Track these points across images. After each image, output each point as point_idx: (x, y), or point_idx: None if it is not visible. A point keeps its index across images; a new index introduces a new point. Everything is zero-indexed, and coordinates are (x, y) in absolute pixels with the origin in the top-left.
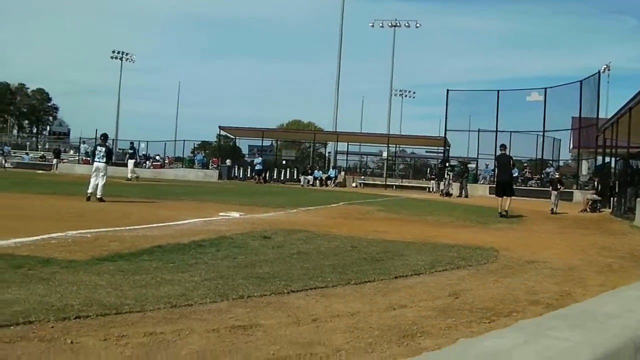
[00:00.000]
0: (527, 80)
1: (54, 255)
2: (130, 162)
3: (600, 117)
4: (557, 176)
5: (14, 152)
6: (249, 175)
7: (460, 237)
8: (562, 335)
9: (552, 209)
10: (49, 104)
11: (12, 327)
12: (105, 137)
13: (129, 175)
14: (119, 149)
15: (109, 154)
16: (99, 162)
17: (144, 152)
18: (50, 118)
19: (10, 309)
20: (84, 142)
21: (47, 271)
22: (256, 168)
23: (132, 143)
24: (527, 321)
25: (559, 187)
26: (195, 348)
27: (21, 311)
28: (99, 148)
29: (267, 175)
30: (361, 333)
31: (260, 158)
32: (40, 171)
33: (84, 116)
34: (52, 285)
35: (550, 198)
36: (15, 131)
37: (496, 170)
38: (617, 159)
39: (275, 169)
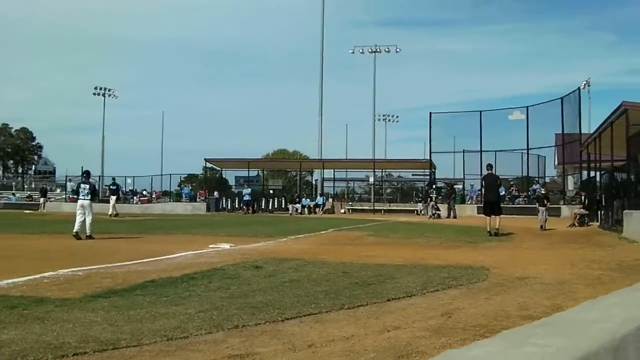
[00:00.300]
0: (509, 99)
1: (47, 294)
2: (112, 198)
3: (583, 132)
4: (543, 192)
5: (0, 193)
6: (237, 206)
7: (451, 257)
8: (543, 341)
9: (541, 225)
10: (33, 143)
11: None
12: (87, 174)
13: (110, 212)
14: (105, 186)
15: (93, 191)
16: (84, 199)
17: (130, 188)
18: (35, 157)
19: (9, 348)
20: (70, 180)
21: (41, 310)
22: (245, 199)
23: (113, 179)
24: (511, 331)
25: (546, 203)
26: None
27: (19, 350)
28: (82, 186)
29: (256, 205)
30: (357, 356)
31: (249, 189)
32: (27, 211)
33: (69, 154)
34: (47, 324)
35: (538, 215)
36: (0, 172)
37: (483, 190)
38: (602, 172)
39: (263, 198)
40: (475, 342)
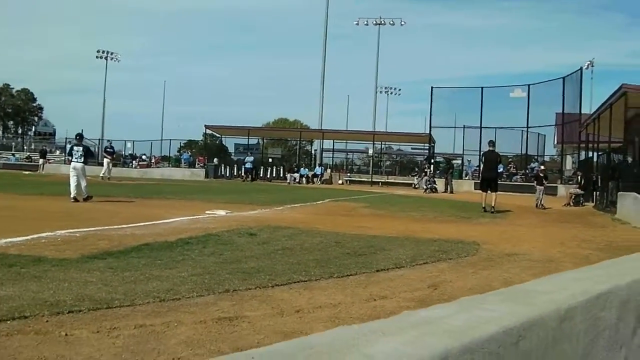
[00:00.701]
0: (511, 76)
1: (44, 254)
2: (105, 161)
3: (584, 112)
4: (542, 169)
5: (0, 153)
6: (235, 173)
7: (444, 231)
8: (493, 307)
9: (537, 203)
10: (34, 104)
11: (8, 322)
12: (80, 136)
13: (102, 173)
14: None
15: (86, 153)
16: (77, 162)
17: (130, 152)
18: (36, 118)
19: (6, 305)
20: (69, 143)
21: (38, 269)
22: (246, 166)
23: (109, 142)
24: (467, 298)
25: (544, 181)
26: (184, 338)
27: (16, 307)
28: (75, 148)
29: (255, 173)
30: (341, 322)
31: (252, 157)
32: (26, 172)
33: (69, 116)
34: (44, 283)
35: (535, 193)
36: (0, 132)
37: (482, 166)
38: (600, 153)
39: (262, 167)
40: (432, 306)
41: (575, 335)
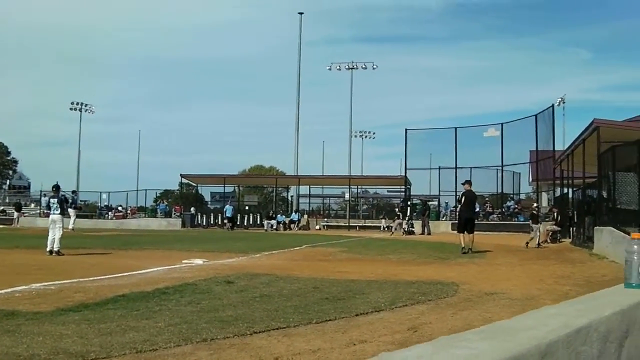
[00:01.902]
0: (484, 116)
1: (18, 307)
2: (72, 212)
3: (557, 149)
4: (534, 206)
5: None
6: (212, 222)
7: (422, 273)
8: (472, 345)
9: (537, 242)
10: (8, 158)
11: None
12: (57, 188)
13: (71, 226)
14: (81, 201)
15: (61, 204)
16: (54, 214)
17: (105, 203)
18: (10, 172)
19: None
20: (44, 195)
21: (12, 323)
22: (227, 214)
23: (73, 192)
24: (445, 337)
25: (539, 220)
26: None
27: None
28: (51, 200)
29: (233, 221)
30: None
31: (231, 205)
32: (1, 226)
33: (44, 168)
34: (18, 337)
35: (531, 233)
36: None
37: (460, 207)
38: (574, 189)
39: (238, 214)
40: (411, 346)
41: None
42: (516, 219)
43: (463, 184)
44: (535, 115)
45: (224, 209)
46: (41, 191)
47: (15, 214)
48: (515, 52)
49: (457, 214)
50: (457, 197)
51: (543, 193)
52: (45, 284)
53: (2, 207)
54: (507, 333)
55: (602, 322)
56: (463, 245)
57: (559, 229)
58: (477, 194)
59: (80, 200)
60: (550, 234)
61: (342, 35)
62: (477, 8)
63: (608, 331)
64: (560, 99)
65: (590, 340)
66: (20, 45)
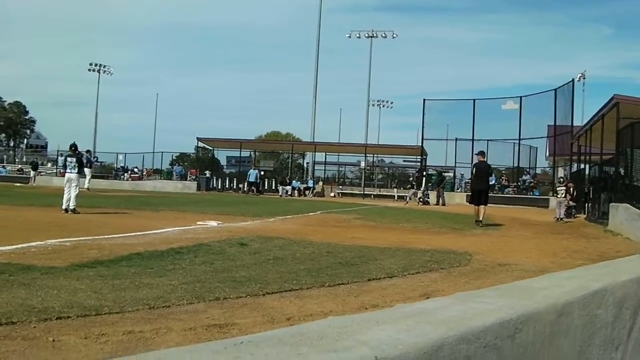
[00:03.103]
0: (503, 89)
1: (33, 262)
2: (87, 171)
3: (575, 124)
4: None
5: None
6: (227, 186)
7: (435, 242)
8: (489, 300)
9: (559, 217)
10: (26, 117)
11: None
12: (75, 147)
13: (87, 185)
14: (97, 162)
15: (79, 164)
16: (70, 172)
17: (121, 164)
18: (28, 131)
19: None
20: (61, 155)
21: (27, 277)
22: (250, 179)
23: (87, 151)
24: (462, 292)
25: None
26: (173, 344)
27: (4, 313)
28: (69, 159)
29: (259, 186)
30: None
31: (255, 170)
32: (18, 184)
33: (61, 129)
34: (32, 290)
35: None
36: None
37: (473, 178)
38: (591, 165)
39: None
40: (426, 299)
41: (572, 332)
42: (532, 193)
43: (476, 154)
44: (555, 90)
45: (248, 173)
46: (58, 151)
47: (32, 173)
48: (536, 26)
49: (470, 185)
50: (470, 169)
51: (559, 168)
52: (61, 240)
53: (19, 166)
54: (523, 291)
55: (618, 287)
56: (479, 219)
57: (574, 204)
58: (493, 166)
59: (97, 161)
60: (565, 209)
61: (364, 4)
62: None
63: (624, 297)
64: (580, 75)
65: (606, 304)
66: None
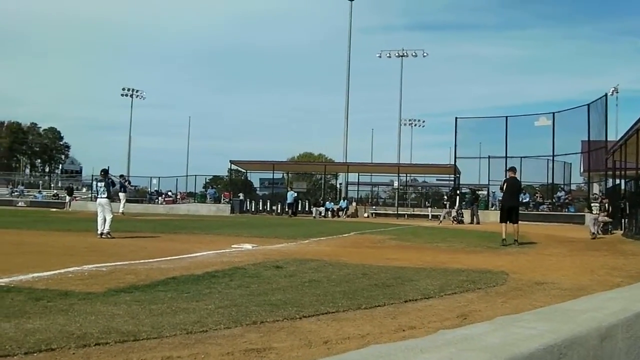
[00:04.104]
0: (535, 105)
1: (71, 288)
2: (122, 195)
3: (609, 139)
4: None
5: (27, 191)
6: (261, 208)
7: (471, 262)
8: (531, 325)
9: (594, 233)
10: (61, 143)
11: (35, 354)
12: (105, 172)
13: (121, 210)
14: (132, 185)
15: (108, 188)
16: (101, 197)
17: (155, 188)
18: (62, 156)
19: (33, 337)
20: (95, 180)
21: (65, 303)
22: (288, 201)
23: (121, 176)
24: (503, 317)
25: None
26: None
27: (43, 339)
28: (99, 184)
29: (295, 207)
30: None
31: (294, 192)
32: (53, 209)
33: (95, 154)
34: (71, 316)
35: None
36: (27, 170)
37: (504, 195)
38: (627, 180)
39: (285, 201)
40: (468, 325)
41: (616, 356)
42: (567, 210)
43: (507, 170)
44: (588, 105)
45: (286, 195)
46: (92, 176)
47: (67, 198)
48: (567, 41)
49: (500, 202)
50: (501, 185)
51: (594, 184)
52: (97, 265)
53: (54, 191)
54: (565, 314)
55: None
56: (504, 237)
57: (611, 220)
58: (527, 184)
59: (131, 185)
60: (601, 225)
61: (394, 23)
62: None
63: None
64: (613, 89)
65: None
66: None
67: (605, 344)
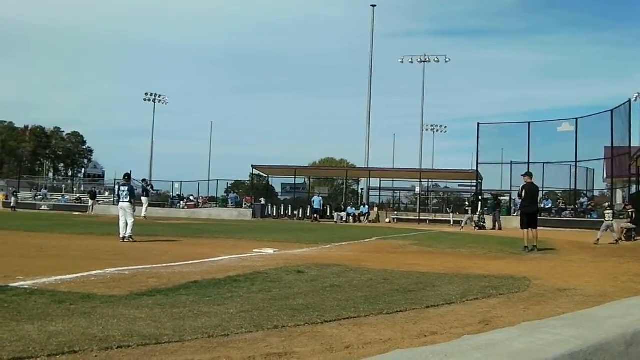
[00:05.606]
0: (558, 111)
1: (93, 291)
2: (144, 200)
3: (634, 145)
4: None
5: (51, 195)
6: (282, 213)
7: (493, 267)
8: (556, 331)
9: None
10: (84, 147)
11: (58, 356)
12: (128, 176)
13: (143, 214)
14: (154, 190)
15: (131, 193)
16: (123, 202)
17: (177, 193)
18: (85, 160)
19: (56, 340)
20: (118, 184)
21: (88, 306)
22: (315, 206)
23: (143, 180)
24: (527, 322)
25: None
26: None
27: (66, 342)
28: (122, 188)
29: (321, 212)
30: None
31: (319, 197)
32: (76, 213)
33: (118, 158)
34: (93, 319)
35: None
36: (51, 174)
37: (522, 201)
38: None
39: (308, 206)
40: (493, 330)
41: None
42: (589, 216)
43: (523, 175)
44: (611, 111)
45: (312, 200)
46: (115, 180)
47: (90, 202)
48: (590, 46)
49: (519, 209)
50: (519, 191)
51: (618, 190)
52: (120, 269)
53: (77, 195)
54: (590, 321)
55: None
56: (526, 244)
57: (634, 226)
58: (549, 190)
59: (153, 190)
60: (624, 232)
61: (416, 29)
62: (552, 1)
63: None
64: (637, 94)
65: None
66: (96, 41)
67: (630, 351)
